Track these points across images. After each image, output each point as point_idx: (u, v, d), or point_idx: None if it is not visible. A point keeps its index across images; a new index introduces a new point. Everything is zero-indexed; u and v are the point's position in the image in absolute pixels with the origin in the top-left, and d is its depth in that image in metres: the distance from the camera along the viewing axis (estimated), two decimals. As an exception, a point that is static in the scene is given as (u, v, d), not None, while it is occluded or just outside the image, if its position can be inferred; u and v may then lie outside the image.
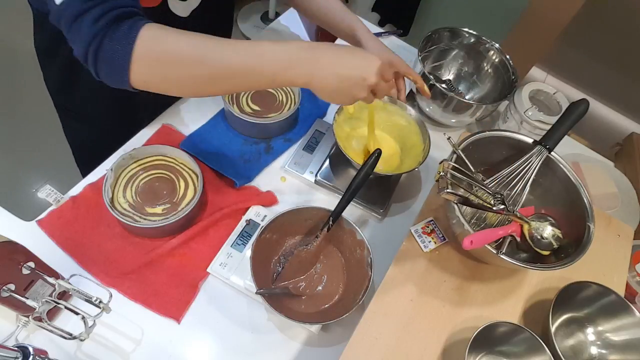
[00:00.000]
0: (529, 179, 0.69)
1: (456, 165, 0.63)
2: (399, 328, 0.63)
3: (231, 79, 0.54)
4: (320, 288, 0.71)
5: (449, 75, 1.03)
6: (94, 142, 0.95)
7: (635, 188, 0.97)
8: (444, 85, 0.91)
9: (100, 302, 0.56)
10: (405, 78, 0.81)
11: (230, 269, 0.70)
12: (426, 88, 0.82)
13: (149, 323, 0.65)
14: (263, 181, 0.83)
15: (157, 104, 0.87)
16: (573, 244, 0.65)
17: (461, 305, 0.67)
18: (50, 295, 0.57)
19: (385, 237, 0.79)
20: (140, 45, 0.49)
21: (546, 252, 0.67)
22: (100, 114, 0.87)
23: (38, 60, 0.80)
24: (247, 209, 0.77)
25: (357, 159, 0.78)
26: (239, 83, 0.55)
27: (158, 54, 0.51)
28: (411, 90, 0.97)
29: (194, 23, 0.71)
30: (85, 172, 0.77)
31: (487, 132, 0.72)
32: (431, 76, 0.87)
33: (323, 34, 1.05)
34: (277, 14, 2.38)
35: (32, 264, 0.55)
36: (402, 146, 0.88)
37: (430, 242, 0.71)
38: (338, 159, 0.85)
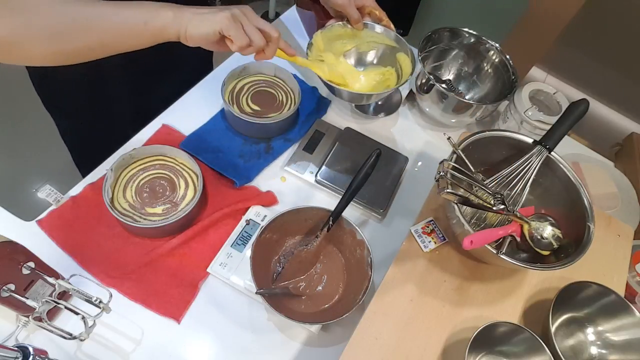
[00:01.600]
0: (529, 179, 0.69)
1: (456, 165, 0.63)
2: (399, 328, 0.63)
3: (93, 34, 0.52)
4: (320, 288, 0.71)
5: (449, 75, 1.02)
6: (88, 142, 0.96)
7: (635, 188, 0.97)
8: (444, 85, 0.91)
9: (100, 302, 0.56)
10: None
11: (230, 269, 0.70)
12: (388, 23, 0.84)
13: (149, 323, 0.66)
14: (263, 181, 0.83)
15: (130, 92, 0.87)
16: (573, 244, 0.65)
17: (461, 305, 0.67)
18: (50, 295, 0.57)
19: (385, 237, 0.79)
20: None
21: (546, 252, 0.67)
22: (79, 107, 0.87)
23: None
24: (247, 209, 0.77)
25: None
26: (103, 37, 0.53)
27: (10, 5, 0.48)
28: (411, 90, 0.97)
29: None
30: (84, 173, 0.77)
31: (487, 132, 0.72)
32: (431, 76, 0.87)
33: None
34: (277, 14, 2.38)
35: (32, 264, 0.55)
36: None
37: (430, 242, 0.71)
38: (338, 159, 0.85)
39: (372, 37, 0.87)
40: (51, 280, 0.56)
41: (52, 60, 0.54)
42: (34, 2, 0.49)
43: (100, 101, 0.87)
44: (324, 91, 0.97)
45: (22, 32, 0.49)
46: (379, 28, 0.86)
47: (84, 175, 0.77)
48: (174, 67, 0.92)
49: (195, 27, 0.56)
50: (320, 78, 0.78)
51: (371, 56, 0.91)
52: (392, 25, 0.84)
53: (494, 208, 0.63)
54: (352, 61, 0.90)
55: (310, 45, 0.80)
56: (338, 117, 0.95)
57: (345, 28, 0.84)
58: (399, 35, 0.86)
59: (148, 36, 0.55)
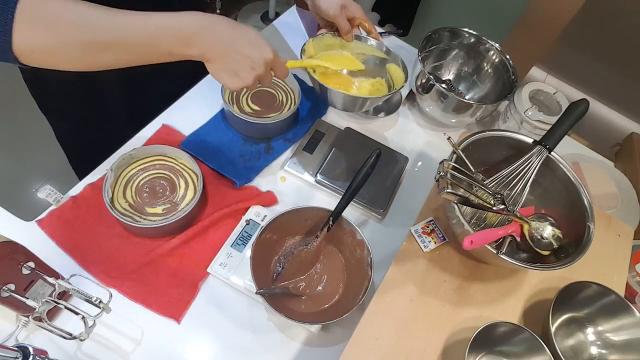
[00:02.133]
0: (529, 179, 0.69)
1: (456, 165, 0.63)
2: (399, 328, 0.63)
3: (123, 52, 0.53)
4: (320, 288, 0.71)
5: (449, 75, 1.03)
6: (85, 144, 0.95)
7: (635, 188, 0.97)
8: (444, 85, 0.91)
9: (100, 302, 0.56)
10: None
11: (230, 269, 0.70)
12: (377, 35, 0.87)
13: (149, 323, 0.65)
14: (263, 181, 0.83)
15: (125, 93, 0.87)
16: (573, 244, 0.66)
17: (461, 305, 0.67)
18: (50, 295, 0.57)
19: (385, 237, 0.79)
20: (23, 7, 0.46)
21: (546, 252, 0.67)
22: (74, 109, 0.87)
23: None
24: (247, 209, 0.77)
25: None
26: (132, 56, 0.54)
27: (44, 18, 0.48)
28: (411, 90, 0.97)
29: None
30: (81, 176, 0.77)
31: (487, 132, 0.72)
32: (431, 76, 0.87)
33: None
34: (277, 14, 2.38)
35: (32, 264, 0.55)
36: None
37: (430, 242, 0.71)
38: (338, 159, 0.85)
39: (361, 48, 0.89)
40: (51, 280, 0.56)
41: (75, 69, 0.55)
42: (64, 21, 0.49)
43: (96, 102, 0.87)
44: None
45: (47, 53, 0.51)
46: (368, 40, 0.88)
47: (81, 178, 0.76)
48: (169, 65, 0.92)
49: (216, 74, 0.59)
50: (312, 81, 0.79)
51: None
52: (380, 38, 0.87)
53: (494, 208, 0.63)
54: (344, 72, 0.91)
55: (302, 51, 0.82)
56: (338, 117, 0.95)
57: (335, 38, 0.86)
58: (388, 47, 0.88)
59: (173, 59, 0.56)
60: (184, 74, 0.93)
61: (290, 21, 1.11)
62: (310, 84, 0.97)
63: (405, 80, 0.84)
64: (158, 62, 0.56)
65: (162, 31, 0.53)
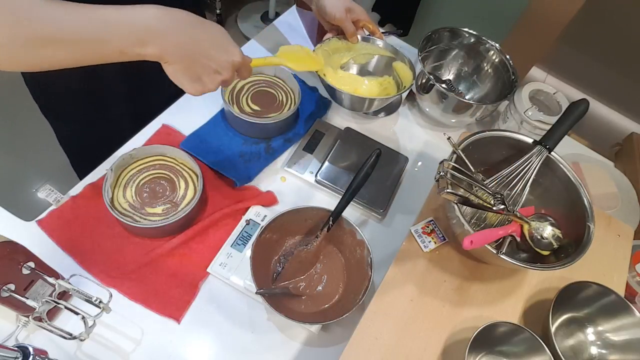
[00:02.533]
0: (529, 179, 0.69)
1: (456, 165, 0.63)
2: (399, 328, 0.63)
3: (63, 49, 0.45)
4: (320, 288, 0.71)
5: (449, 75, 1.02)
6: (86, 146, 0.95)
7: (635, 188, 0.97)
8: (444, 85, 0.91)
9: (100, 302, 0.56)
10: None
11: (230, 269, 0.70)
12: (381, 35, 0.90)
13: (149, 323, 0.65)
14: (263, 181, 0.83)
15: (127, 94, 0.87)
16: (573, 244, 0.66)
17: (461, 305, 0.67)
18: (50, 295, 0.57)
19: (385, 237, 0.79)
20: None
21: (546, 252, 0.67)
22: (76, 112, 0.87)
23: None
24: (247, 209, 0.77)
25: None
26: (75, 55, 0.46)
27: None
28: (411, 90, 0.97)
29: None
30: (82, 177, 0.77)
31: (487, 132, 0.72)
32: (431, 76, 0.87)
33: (323, 32, 1.05)
34: (277, 14, 2.38)
35: (32, 264, 0.55)
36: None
37: (430, 242, 0.71)
38: (338, 159, 0.85)
39: (367, 49, 0.91)
40: (51, 280, 0.56)
41: (17, 68, 0.48)
42: (17, 10, 0.43)
43: (96, 103, 0.87)
44: (324, 91, 0.97)
45: None
46: (374, 40, 0.90)
47: (81, 178, 0.76)
48: None
49: (174, 77, 0.52)
50: (323, 82, 0.81)
51: (368, 67, 0.94)
52: (384, 38, 0.89)
53: (494, 208, 0.63)
54: (353, 72, 0.93)
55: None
56: (338, 117, 0.95)
57: (341, 42, 0.88)
58: (394, 46, 0.89)
59: (126, 59, 0.49)
60: None
61: (290, 21, 1.11)
62: (310, 84, 0.97)
63: (414, 78, 0.86)
64: (110, 62, 0.48)
65: (112, 27, 0.46)
